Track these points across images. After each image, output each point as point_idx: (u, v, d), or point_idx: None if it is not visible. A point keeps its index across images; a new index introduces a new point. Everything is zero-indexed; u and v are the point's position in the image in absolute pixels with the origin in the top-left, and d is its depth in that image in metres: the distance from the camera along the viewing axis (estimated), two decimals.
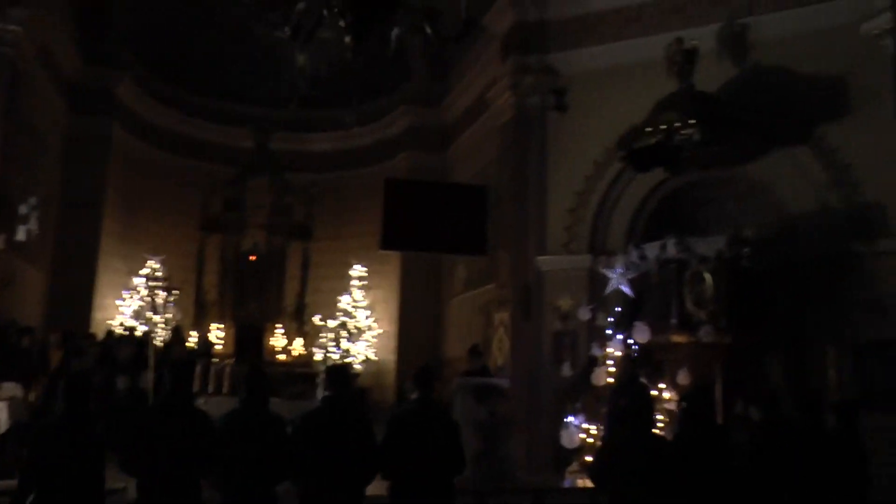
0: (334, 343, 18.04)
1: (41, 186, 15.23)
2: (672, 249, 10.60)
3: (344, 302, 18.69)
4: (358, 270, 18.93)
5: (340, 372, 6.33)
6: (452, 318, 17.95)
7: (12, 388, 10.93)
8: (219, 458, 5.70)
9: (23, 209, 12.13)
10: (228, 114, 20.69)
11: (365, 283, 18.99)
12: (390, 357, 18.53)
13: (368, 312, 18.71)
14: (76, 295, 16.91)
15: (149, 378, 11.81)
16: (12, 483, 8.34)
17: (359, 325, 18.32)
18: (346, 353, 17.75)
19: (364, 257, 19.34)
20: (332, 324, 18.35)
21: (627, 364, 8.97)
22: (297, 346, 18.32)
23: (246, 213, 19.26)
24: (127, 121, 18.86)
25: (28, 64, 13.53)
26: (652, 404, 8.67)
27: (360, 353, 18.04)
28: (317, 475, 5.87)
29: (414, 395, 6.26)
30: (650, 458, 5.94)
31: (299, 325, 18.91)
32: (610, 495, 6.10)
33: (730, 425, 8.58)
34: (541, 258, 13.07)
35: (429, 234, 13.24)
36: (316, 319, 18.80)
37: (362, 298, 18.78)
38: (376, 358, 18.42)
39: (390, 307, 19.18)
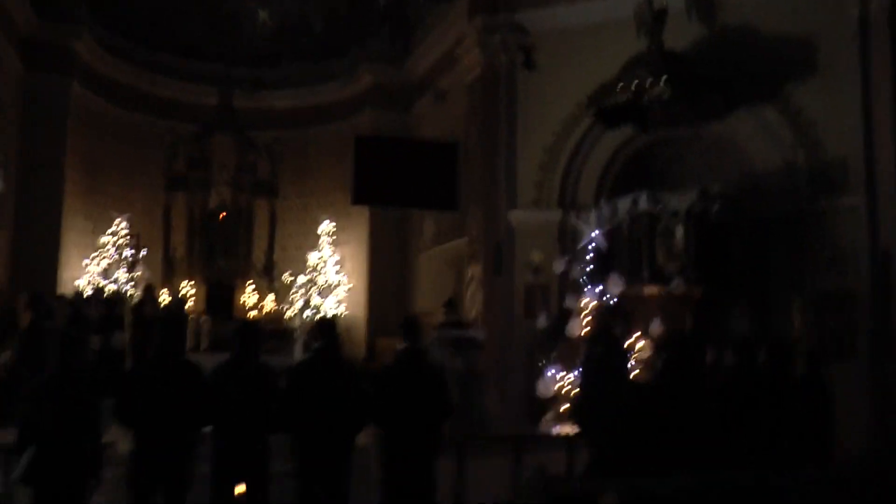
0: (304, 299, 18.10)
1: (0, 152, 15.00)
2: (644, 204, 10.85)
3: (313, 258, 18.72)
4: (326, 226, 18.93)
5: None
6: (422, 272, 18.08)
7: None
8: (213, 410, 5.82)
9: None
10: (189, 71, 20.39)
11: (333, 238, 19.01)
12: (360, 312, 18.66)
13: (338, 268, 18.78)
14: (41, 255, 16.74)
15: (122, 338, 11.82)
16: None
17: (328, 281, 18.37)
18: (317, 308, 17.82)
19: (332, 213, 19.36)
20: (301, 280, 18.39)
21: (601, 315, 9.20)
22: (268, 303, 18.34)
23: (211, 170, 19.07)
24: (85, 78, 18.50)
25: None
26: (625, 353, 9.02)
27: (331, 308, 18.13)
28: (310, 425, 6.02)
29: (401, 346, 6.41)
30: (631, 404, 6.18)
31: (269, 282, 18.90)
32: (591, 439, 6.35)
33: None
34: (512, 213, 13.26)
35: (399, 189, 13.25)
36: (285, 276, 18.84)
37: (331, 254, 18.82)
38: (347, 313, 18.52)
39: (359, 262, 19.26)
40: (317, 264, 18.78)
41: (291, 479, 6.17)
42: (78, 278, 17.39)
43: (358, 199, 13.24)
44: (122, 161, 19.46)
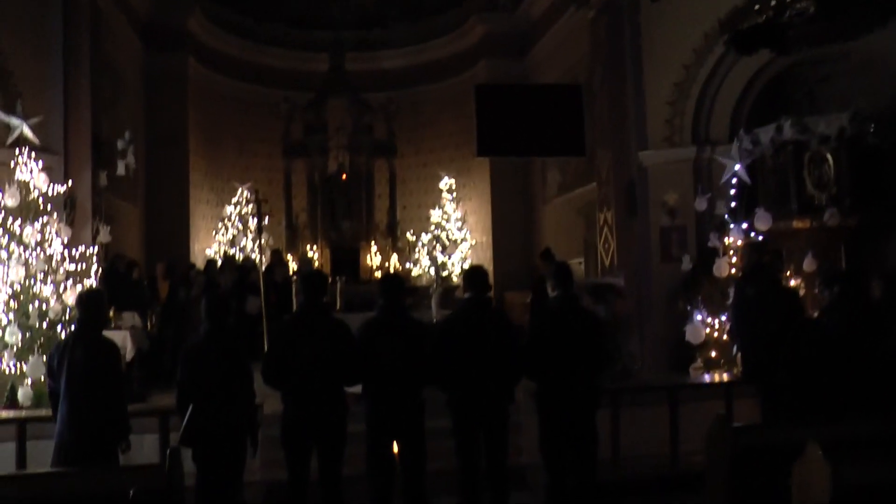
0: (429, 257, 17.96)
1: (127, 125, 15.29)
2: (788, 131, 10.11)
3: (435, 216, 18.54)
4: (446, 183, 18.68)
5: (480, 275, 6.13)
6: (548, 223, 17.68)
7: (131, 318, 11.10)
8: (365, 366, 5.62)
9: (120, 144, 12.14)
10: (299, 39, 20.49)
11: (454, 195, 18.77)
12: (487, 267, 18.38)
13: (460, 224, 18.54)
14: (173, 228, 17.16)
15: (257, 302, 11.87)
16: (143, 406, 8.55)
17: (452, 238, 18.17)
18: (442, 266, 17.66)
19: (451, 169, 19.13)
20: (425, 238, 18.25)
21: (752, 252, 8.61)
22: (393, 263, 18.30)
23: (327, 135, 19.09)
24: (200, 54, 18.79)
25: (104, 4, 13.40)
26: (782, 291, 8.41)
27: (456, 265, 17.94)
28: (465, 380, 5.75)
29: (553, 293, 6.04)
30: (814, 345, 5.65)
31: (392, 242, 18.86)
32: (764, 386, 5.87)
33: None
34: (643, 153, 12.66)
35: (524, 137, 12.83)
36: (408, 235, 18.73)
37: (453, 211, 18.60)
38: None
39: (482, 217, 19.00)
40: (439, 221, 18.57)
41: (448, 436, 5.95)
42: (208, 248, 17.73)
43: (483, 151, 12.90)
44: (240, 132, 19.80)
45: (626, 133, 12.89)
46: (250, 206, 16.50)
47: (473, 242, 18.71)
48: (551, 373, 5.79)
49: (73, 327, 6.00)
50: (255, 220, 12.00)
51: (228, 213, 18.21)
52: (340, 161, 19.01)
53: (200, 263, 15.92)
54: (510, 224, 18.40)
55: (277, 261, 14.60)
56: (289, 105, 19.43)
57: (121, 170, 12.04)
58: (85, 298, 5.90)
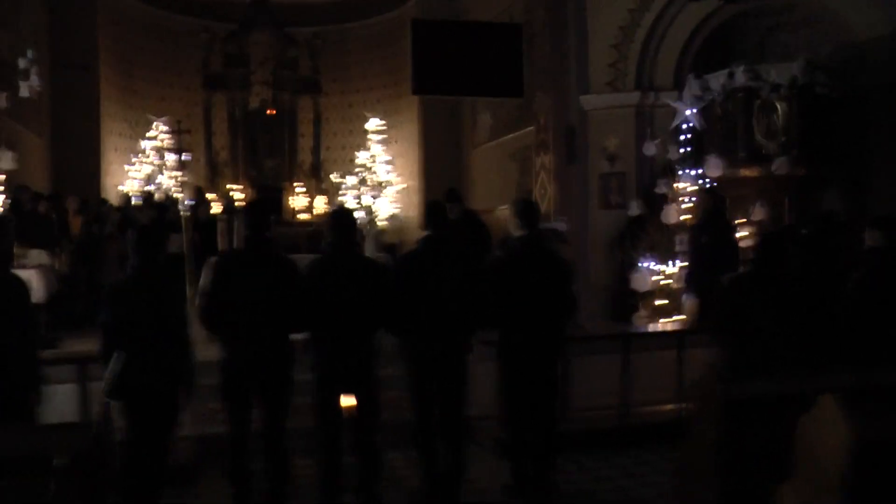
0: (356, 200, 17.33)
1: (29, 45, 14.14)
2: (740, 77, 9.86)
3: (362, 157, 17.88)
4: (374, 124, 18.01)
5: (439, 209, 5.64)
6: (478, 168, 17.24)
7: (38, 256, 10.26)
8: (314, 309, 5.09)
9: (21, 63, 11.09)
10: None
11: (383, 136, 18.11)
12: (414, 212, 17.89)
13: (389, 167, 17.93)
14: (82, 161, 16.08)
15: (179, 239, 11.13)
16: (54, 352, 7.85)
17: (379, 181, 17.56)
18: (369, 209, 17.05)
19: (379, 111, 18.43)
20: (351, 180, 17.59)
21: (709, 199, 8.34)
22: (319, 206, 17.60)
23: (250, 69, 18.15)
24: None
25: None
26: (736, 241, 8.18)
27: (383, 208, 17.37)
28: (422, 324, 5.29)
29: (518, 233, 5.58)
30: (779, 292, 5.38)
31: (317, 183, 18.14)
32: (732, 338, 5.56)
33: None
34: (584, 97, 12.31)
35: (461, 76, 12.33)
36: (334, 177, 18.05)
37: (381, 153, 17.96)
38: (400, 213, 17.77)
39: (411, 161, 18.42)
40: (366, 164, 17.92)
41: (397, 385, 5.51)
42: (121, 184, 16.72)
43: (419, 89, 12.35)
44: (157, 61, 18.65)
45: (567, 76, 12.50)
46: (168, 138, 15.47)
47: (402, 186, 18.14)
48: (515, 319, 5.36)
49: None
50: (176, 154, 11.20)
51: (143, 148, 17.14)
52: (263, 97, 18.15)
53: (113, 200, 14.98)
54: (439, 168, 17.84)
55: (200, 199, 13.81)
56: (208, 35, 18.40)
57: (24, 91, 11.02)
58: None
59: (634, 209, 10.81)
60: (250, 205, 5.43)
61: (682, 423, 5.77)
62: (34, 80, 11.47)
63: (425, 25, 12.68)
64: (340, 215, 5.46)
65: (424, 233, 5.49)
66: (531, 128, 13.57)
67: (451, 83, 12.51)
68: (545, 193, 12.68)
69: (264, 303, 4.89)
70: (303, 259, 6.03)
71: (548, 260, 5.57)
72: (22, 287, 5.15)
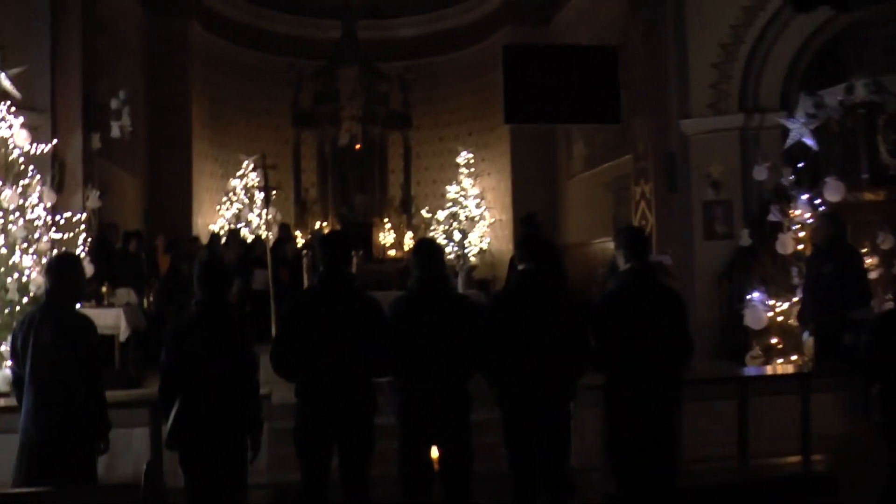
0: (445, 236, 16.91)
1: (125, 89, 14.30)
2: (861, 91, 9.02)
3: (452, 192, 17.47)
4: (464, 157, 17.60)
5: (537, 241, 5.06)
6: (572, 200, 16.63)
7: (126, 294, 10.10)
8: (400, 350, 4.58)
9: (114, 103, 11.08)
10: (306, 4, 19.34)
11: (472, 170, 17.70)
12: (506, 246, 17.34)
13: (479, 201, 17.47)
14: (175, 201, 16.19)
15: (265, 276, 10.86)
16: (139, 392, 7.57)
17: (470, 215, 17.11)
18: (460, 244, 16.60)
19: (469, 143, 18.06)
20: (441, 215, 17.19)
21: (830, 224, 7.55)
22: (408, 241, 17.24)
23: (339, 104, 18.00)
24: (204, 18, 17.74)
25: None
26: (864, 270, 7.35)
27: (474, 243, 16.89)
28: (522, 368, 4.70)
29: (625, 266, 4.94)
30: None
31: (407, 219, 17.81)
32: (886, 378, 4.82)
33: None
34: (684, 122, 11.60)
35: (555, 103, 11.76)
36: (424, 212, 17.68)
37: (471, 186, 17.52)
38: (491, 248, 17.26)
39: (501, 194, 17.93)
40: (456, 198, 17.51)
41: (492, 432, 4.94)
42: (212, 223, 16.73)
43: (511, 117, 11.83)
44: (247, 102, 18.80)
45: (667, 100, 11.82)
46: (256, 173, 15.33)
47: (492, 220, 17.64)
48: (624, 362, 4.72)
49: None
50: (262, 189, 10.95)
51: (234, 187, 17.15)
52: (353, 133, 17.93)
53: (204, 239, 14.92)
54: (531, 201, 17.17)
55: (286, 235, 13.57)
56: (297, 73, 18.37)
57: (115, 132, 10.99)
58: (55, 264, 4.85)
59: (745, 239, 10.01)
60: (327, 237, 4.98)
61: (810, 477, 5.05)
62: (126, 120, 11.45)
63: (517, 51, 12.19)
64: (425, 246, 4.96)
65: (625, 266, 4.89)
66: (628, 156, 12.92)
67: (545, 111, 11.96)
68: (646, 224, 11.96)
69: (342, 343, 4.42)
70: (390, 297, 5.58)
71: (660, 295, 4.91)
72: (88, 327, 4.80)
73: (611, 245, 14.17)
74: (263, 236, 12.12)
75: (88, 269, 8.94)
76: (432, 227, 17.34)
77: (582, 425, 5.27)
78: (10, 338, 4.90)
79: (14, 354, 4.78)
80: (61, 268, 4.80)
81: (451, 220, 17.17)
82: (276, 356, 4.49)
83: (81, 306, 8.77)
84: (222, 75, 18.37)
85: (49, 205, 8.71)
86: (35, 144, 8.85)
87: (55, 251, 8.57)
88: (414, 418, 4.61)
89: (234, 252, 12.86)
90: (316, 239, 4.75)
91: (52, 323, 4.65)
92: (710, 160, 11.39)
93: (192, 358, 4.32)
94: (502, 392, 4.76)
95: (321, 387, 4.42)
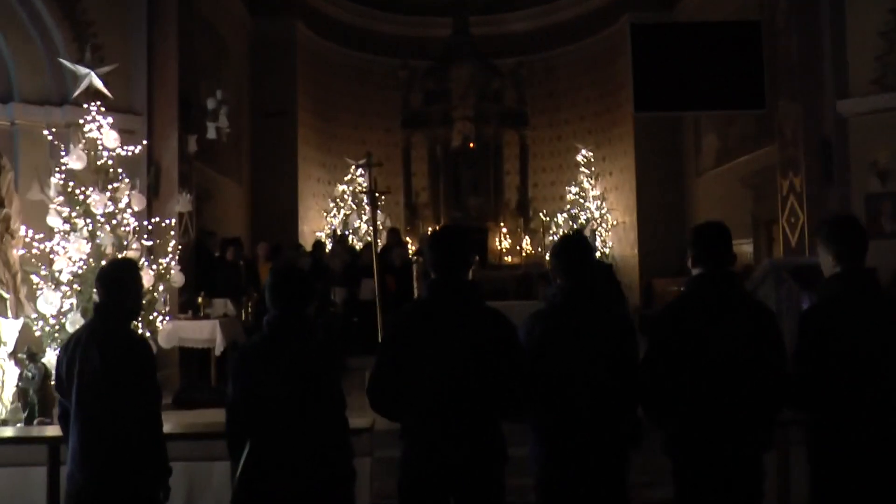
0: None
1: (229, 94, 13.79)
2: None
3: (571, 193, 16.30)
4: (584, 156, 16.41)
5: (719, 236, 3.85)
6: (702, 198, 15.23)
7: (223, 306, 9.42)
8: (539, 384, 3.50)
9: (210, 103, 10.44)
10: (414, 3, 18.57)
11: (593, 169, 16.49)
12: (630, 251, 16.07)
13: (600, 202, 16.24)
14: (280, 207, 15.68)
15: (372, 286, 10.00)
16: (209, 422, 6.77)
17: (590, 217, 15.91)
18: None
19: (589, 141, 16.88)
20: (560, 218, 16.04)
21: None
22: (526, 246, 16.18)
23: (451, 104, 17.10)
24: (310, 19, 17.22)
25: None
26: None
27: (596, 248, 15.66)
28: (701, 409, 3.51)
29: (834, 269, 3.66)
30: None
31: (524, 223, 16.74)
32: None
33: None
34: (843, 102, 10.12)
35: (691, 89, 10.52)
36: (542, 215, 16.57)
37: (591, 187, 16.32)
38: (615, 252, 16.01)
39: (625, 195, 16.65)
40: (576, 199, 16.34)
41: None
42: (318, 230, 16.07)
43: (641, 106, 10.63)
44: (354, 105, 18.19)
45: (821, 78, 10.36)
46: (364, 177, 14.56)
47: (615, 223, 16.38)
48: (840, 398, 3.48)
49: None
50: (369, 191, 10.10)
51: (341, 192, 16.47)
52: (465, 133, 16.99)
53: (309, 246, 14.22)
54: (657, 201, 16.00)
55: (395, 241, 12.67)
56: (408, 72, 17.59)
57: (211, 133, 10.35)
58: (106, 272, 3.99)
59: None
60: (440, 233, 3.79)
61: None
62: (223, 120, 10.82)
63: (646, 30, 11.02)
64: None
65: (695, 271, 3.73)
66: (771, 146, 11.51)
67: (679, 98, 10.73)
68: (796, 222, 10.54)
69: (462, 373, 3.34)
70: (512, 308, 4.50)
71: (887, 308, 3.64)
72: (144, 350, 3.92)
73: (749, 247, 12.83)
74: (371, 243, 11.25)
75: (179, 279, 8.29)
76: (551, 231, 16.19)
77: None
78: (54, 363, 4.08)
79: (59, 383, 3.93)
80: (113, 277, 3.93)
81: (571, 223, 15.98)
82: (375, 389, 3.45)
83: (167, 322, 8.12)
84: (329, 77, 17.84)
85: (136, 208, 8.02)
86: (126, 148, 8.20)
87: (145, 261, 7.91)
88: (558, 472, 3.51)
89: (339, 259, 12.08)
90: (426, 239, 3.56)
91: (100, 345, 3.78)
92: (875, 145, 9.89)
93: (263, 393, 3.35)
94: (677, 438, 3.60)
95: (433, 430, 3.36)
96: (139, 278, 4.11)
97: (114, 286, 3.90)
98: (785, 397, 3.61)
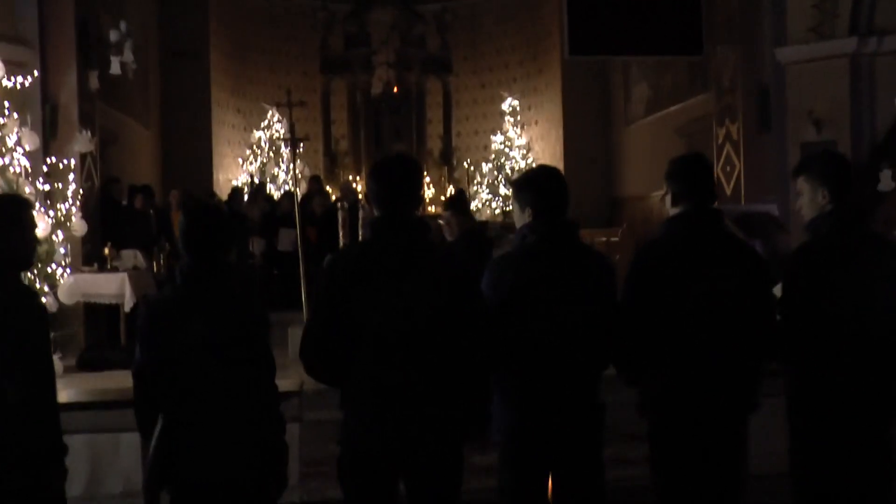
0: (489, 190, 15.34)
1: (134, 28, 12.81)
2: None
3: (496, 142, 15.85)
4: (509, 105, 15.95)
5: (701, 168, 3.43)
6: (632, 149, 14.95)
7: (132, 258, 8.70)
8: (504, 335, 3.01)
9: (113, 35, 9.55)
10: None
11: (518, 118, 16.05)
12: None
13: (525, 152, 15.84)
14: (193, 154, 14.77)
15: (293, 235, 9.38)
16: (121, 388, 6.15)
17: (516, 167, 15.51)
18: (505, 200, 15.02)
19: (516, 90, 16.41)
20: (485, 168, 15.60)
21: None
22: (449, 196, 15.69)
23: (371, 49, 16.37)
24: None
25: None
26: None
27: None
28: (686, 360, 3.14)
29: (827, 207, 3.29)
30: None
31: (448, 172, 16.24)
32: None
33: None
34: (780, 50, 9.88)
35: (626, 33, 10.19)
36: (465, 164, 16.10)
37: (517, 136, 15.89)
38: None
39: (551, 144, 16.27)
40: (501, 149, 15.90)
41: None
42: (234, 179, 15.27)
43: (575, 49, 10.26)
44: (271, 46, 17.26)
45: (759, 25, 10.12)
46: (282, 121, 13.80)
47: None
48: (830, 348, 3.14)
49: None
50: (288, 138, 9.40)
51: (258, 139, 15.67)
52: (387, 79, 16.29)
53: (224, 196, 13.46)
54: (585, 152, 15.62)
55: (317, 189, 12.02)
56: (326, 14, 16.75)
57: (115, 68, 9.46)
58: None
59: (889, 182, 8.31)
60: (382, 163, 3.15)
61: None
62: (128, 55, 9.92)
63: None
64: (543, 178, 3.31)
65: (673, 211, 3.33)
66: (706, 94, 11.27)
67: (614, 41, 10.42)
68: (732, 171, 10.35)
69: (414, 328, 2.82)
70: None
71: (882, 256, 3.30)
72: (31, 305, 3.29)
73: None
74: (292, 192, 10.62)
75: (81, 227, 7.55)
76: (476, 181, 15.75)
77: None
78: None
79: None
80: None
81: (496, 174, 15.55)
82: (309, 348, 2.89)
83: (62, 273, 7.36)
84: (244, 18, 16.83)
85: (30, 149, 7.22)
86: (14, 79, 7.36)
87: (41, 207, 7.14)
88: (528, 438, 3.06)
89: (259, 209, 11.41)
90: (369, 171, 2.95)
91: None
92: (812, 94, 9.68)
93: (174, 354, 2.79)
94: (654, 398, 3.20)
95: (379, 396, 2.84)
96: (27, 217, 3.42)
97: None
98: (773, 349, 3.27)
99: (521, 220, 3.27)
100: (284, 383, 4.06)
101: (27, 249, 3.39)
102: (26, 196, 6.97)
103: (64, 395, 6.77)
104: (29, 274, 6.87)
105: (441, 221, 6.38)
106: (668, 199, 3.38)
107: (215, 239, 2.94)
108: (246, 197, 12.47)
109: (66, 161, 7.72)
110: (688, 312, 3.11)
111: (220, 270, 2.92)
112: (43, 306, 3.32)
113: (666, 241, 3.30)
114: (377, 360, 2.81)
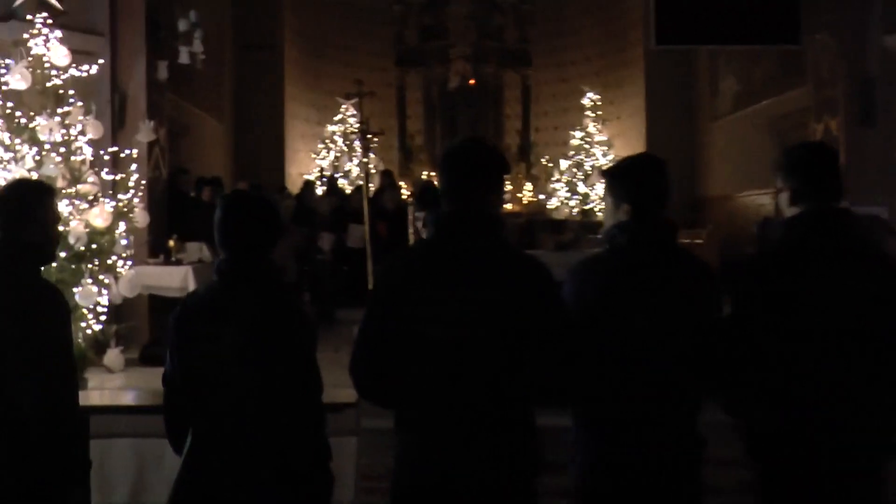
0: (567, 188, 14.82)
1: (205, 19, 12.70)
2: None
3: (576, 138, 15.32)
4: (590, 100, 15.39)
5: (828, 162, 2.91)
6: (718, 146, 14.25)
7: (198, 250, 8.45)
8: (585, 355, 2.53)
9: (182, 25, 9.34)
10: None
11: (599, 114, 15.49)
12: None
13: (607, 149, 15.27)
14: (265, 147, 14.59)
15: (361, 231, 9.04)
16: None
17: (596, 165, 14.94)
18: (584, 198, 14.49)
19: (598, 84, 15.84)
20: (563, 164, 15.08)
21: None
22: (526, 193, 15.24)
23: (448, 41, 16.02)
24: None
25: None
26: None
27: (601, 197, 14.73)
28: (807, 389, 2.64)
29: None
30: None
31: (526, 169, 15.78)
32: None
33: None
34: (890, 37, 9.15)
35: (717, 19, 9.56)
36: (544, 161, 15.61)
37: (598, 132, 15.33)
38: None
39: (632, 140, 15.63)
40: (581, 145, 15.37)
41: None
42: (307, 174, 15.07)
43: (663, 39, 9.68)
44: (346, 41, 16.97)
45: (864, 9, 9.39)
46: (355, 115, 13.49)
47: None
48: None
49: None
50: (360, 131, 9.04)
51: (331, 133, 15.45)
52: (463, 73, 15.93)
53: (295, 189, 13.24)
54: (669, 148, 14.79)
55: (388, 183, 11.66)
56: (402, 7, 16.47)
57: (184, 58, 9.27)
58: (4, 195, 3.01)
59: None
60: (454, 148, 2.69)
61: None
62: (197, 45, 9.73)
63: None
64: (641, 165, 2.88)
65: (791, 210, 2.80)
66: (803, 88, 10.55)
67: (702, 30, 9.78)
68: None
69: (479, 345, 2.36)
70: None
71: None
72: (52, 304, 2.95)
73: (766, 199, 11.92)
74: (362, 187, 10.28)
75: (143, 218, 7.30)
76: (553, 178, 15.24)
77: None
78: None
79: None
80: (12, 202, 2.94)
81: (575, 170, 15.03)
82: (359, 367, 2.47)
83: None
84: (319, 12, 16.61)
85: (94, 138, 6.99)
86: (81, 68, 7.15)
87: (101, 196, 6.90)
88: (613, 480, 2.58)
89: (328, 203, 11.10)
90: (440, 158, 2.47)
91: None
92: None
93: (205, 363, 2.40)
94: (768, 435, 2.68)
95: (437, 428, 2.40)
96: (47, 205, 3.08)
97: (12, 214, 2.92)
98: None
99: (612, 217, 2.79)
100: (341, 394, 3.68)
101: (47, 241, 3.06)
102: (91, 188, 6.80)
103: (118, 395, 6.56)
104: (90, 265, 6.68)
105: (417, 221, 5.67)
106: (785, 196, 2.85)
107: (255, 232, 2.56)
108: (319, 191, 12.19)
109: (126, 151, 7.47)
110: (812, 335, 2.59)
111: (261, 269, 2.52)
112: (66, 304, 2.99)
113: (785, 248, 2.76)
114: (432, 385, 2.37)
